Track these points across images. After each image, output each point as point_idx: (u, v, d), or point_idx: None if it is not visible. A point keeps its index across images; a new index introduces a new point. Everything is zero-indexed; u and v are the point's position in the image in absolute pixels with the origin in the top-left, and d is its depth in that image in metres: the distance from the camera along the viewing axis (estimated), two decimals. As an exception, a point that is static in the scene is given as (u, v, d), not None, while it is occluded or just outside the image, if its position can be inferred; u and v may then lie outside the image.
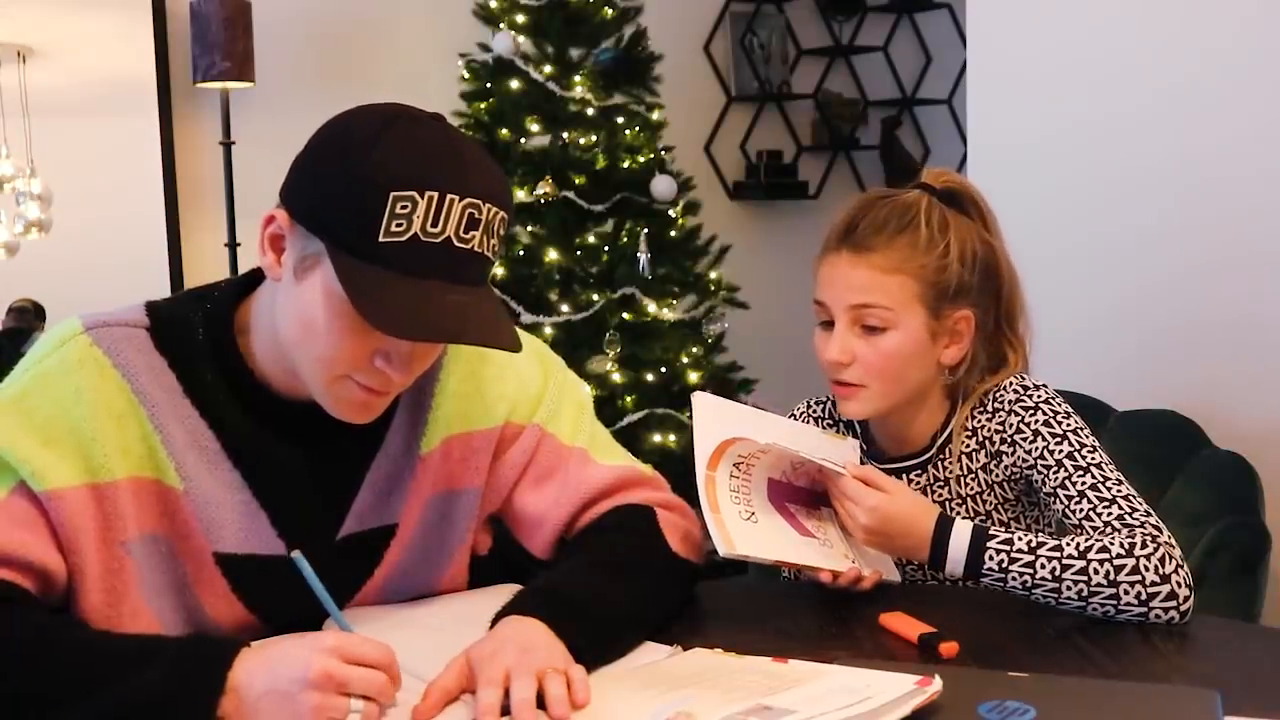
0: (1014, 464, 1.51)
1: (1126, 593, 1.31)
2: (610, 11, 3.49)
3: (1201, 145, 2.38)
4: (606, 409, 3.27)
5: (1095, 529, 1.38)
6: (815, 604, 1.42)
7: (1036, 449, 1.47)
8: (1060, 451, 1.45)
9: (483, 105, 3.47)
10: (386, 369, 1.17)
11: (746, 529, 1.37)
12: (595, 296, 3.38)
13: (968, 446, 1.55)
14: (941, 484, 1.57)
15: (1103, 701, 1.09)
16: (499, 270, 3.33)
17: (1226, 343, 2.36)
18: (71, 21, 3.45)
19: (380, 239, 1.11)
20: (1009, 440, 1.51)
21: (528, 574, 1.37)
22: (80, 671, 1.06)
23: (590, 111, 3.44)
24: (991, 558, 1.35)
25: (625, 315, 3.42)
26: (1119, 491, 1.41)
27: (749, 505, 1.41)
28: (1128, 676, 1.19)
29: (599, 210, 3.43)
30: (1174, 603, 1.31)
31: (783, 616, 1.39)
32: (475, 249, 1.14)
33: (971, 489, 1.55)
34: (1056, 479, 1.44)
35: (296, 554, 1.13)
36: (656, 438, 3.37)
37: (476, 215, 1.14)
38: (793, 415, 1.68)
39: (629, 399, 3.38)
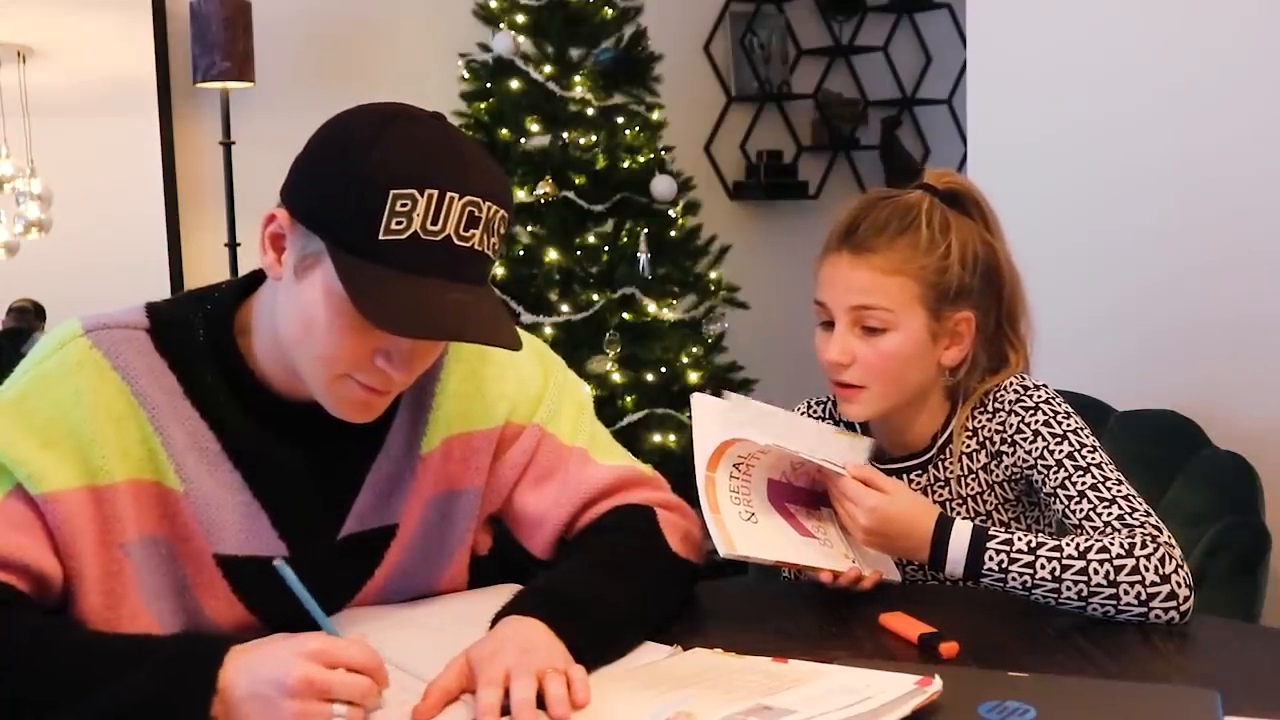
0: (1014, 464, 1.51)
1: (1126, 593, 1.31)
2: (610, 11, 3.49)
3: (1201, 145, 2.38)
4: (606, 409, 3.27)
5: (1095, 529, 1.38)
6: (815, 604, 1.42)
7: (1037, 449, 1.47)
8: (1060, 451, 1.45)
9: (483, 105, 3.47)
10: (387, 368, 1.17)
11: (746, 529, 1.37)
12: (595, 296, 3.38)
13: (968, 447, 1.55)
14: (942, 484, 1.57)
15: (1103, 701, 1.09)
16: (499, 270, 3.33)
17: (1226, 343, 2.36)
18: (71, 21, 3.45)
19: (380, 237, 1.11)
20: (1009, 440, 1.51)
21: (528, 574, 1.37)
22: (74, 673, 1.06)
23: (590, 111, 3.44)
24: (991, 558, 1.35)
25: (625, 315, 3.42)
26: (1119, 491, 1.41)
27: (749, 506, 1.41)
28: (1128, 676, 1.19)
29: (599, 210, 3.43)
30: (1174, 603, 1.31)
31: (783, 616, 1.39)
32: (475, 247, 1.14)
33: (972, 489, 1.55)
34: (1057, 479, 1.44)
35: (278, 561, 1.13)
36: (656, 438, 3.38)
37: (476, 213, 1.14)
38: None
39: (629, 399, 3.38)
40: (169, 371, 1.23)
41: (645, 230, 3.38)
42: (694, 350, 3.49)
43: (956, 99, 4.57)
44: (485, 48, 3.52)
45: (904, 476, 1.57)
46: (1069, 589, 1.32)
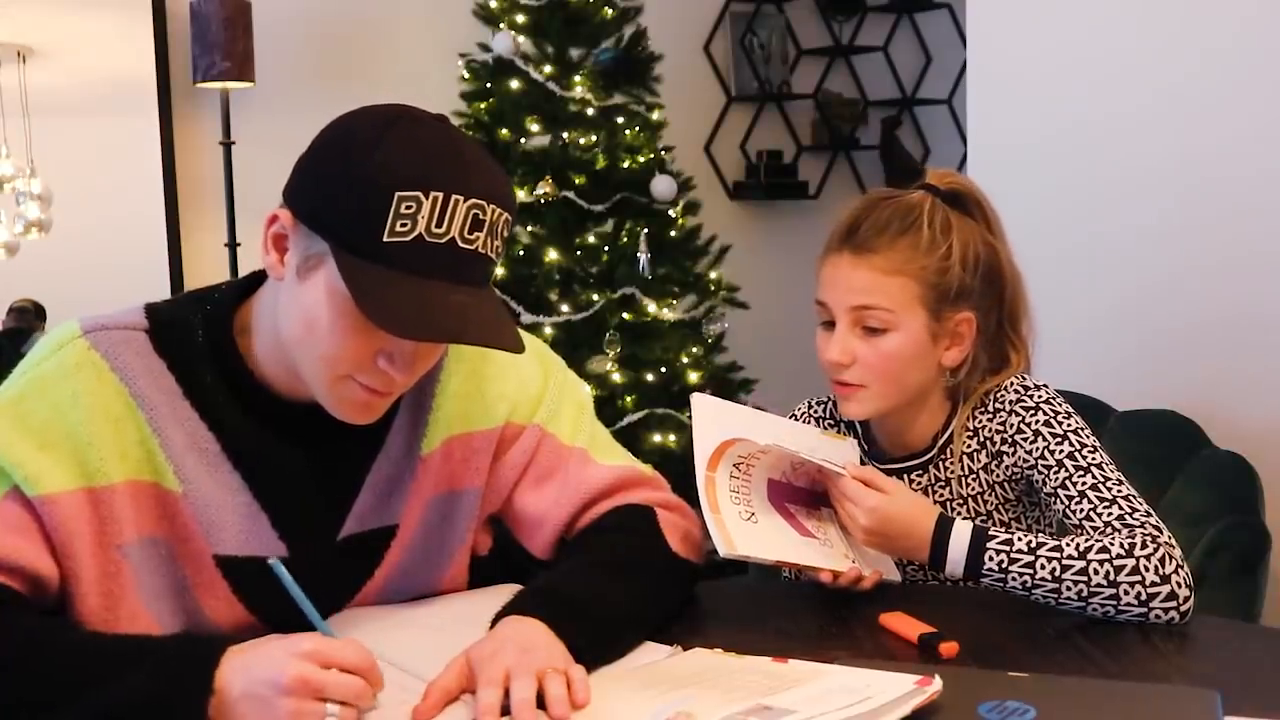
0: (1015, 464, 1.51)
1: (1126, 593, 1.31)
2: (610, 11, 3.49)
3: (1201, 145, 2.38)
4: (606, 409, 3.27)
5: (1095, 529, 1.38)
6: (815, 604, 1.42)
7: (1037, 449, 1.47)
8: (1061, 451, 1.45)
9: (483, 105, 3.47)
10: (389, 369, 1.17)
11: (747, 529, 1.37)
12: (595, 296, 3.38)
13: (969, 447, 1.55)
14: (942, 484, 1.57)
15: (1103, 701, 1.09)
16: (499, 270, 3.33)
17: (1226, 343, 2.36)
18: (71, 21, 3.45)
19: (385, 239, 1.11)
20: (1010, 440, 1.51)
21: (528, 574, 1.37)
22: (70, 673, 1.06)
23: (590, 111, 3.44)
24: (991, 558, 1.35)
25: (625, 315, 3.42)
26: (1119, 492, 1.41)
27: (749, 506, 1.41)
28: (1128, 676, 1.19)
29: (599, 210, 3.43)
30: (1174, 603, 1.31)
31: (783, 616, 1.39)
32: (479, 250, 1.15)
33: (972, 489, 1.55)
34: (1057, 479, 1.44)
35: (273, 560, 1.13)
36: (656, 438, 3.37)
37: (481, 216, 1.14)
38: (793, 415, 1.68)
39: (629, 399, 3.38)
40: (168, 372, 1.23)
41: (645, 230, 3.38)
42: (694, 350, 3.49)
43: (956, 99, 4.57)
44: (485, 48, 3.52)
45: (904, 476, 1.57)
46: (1069, 589, 1.32)
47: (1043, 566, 1.33)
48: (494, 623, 1.18)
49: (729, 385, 3.53)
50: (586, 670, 1.11)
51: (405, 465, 1.33)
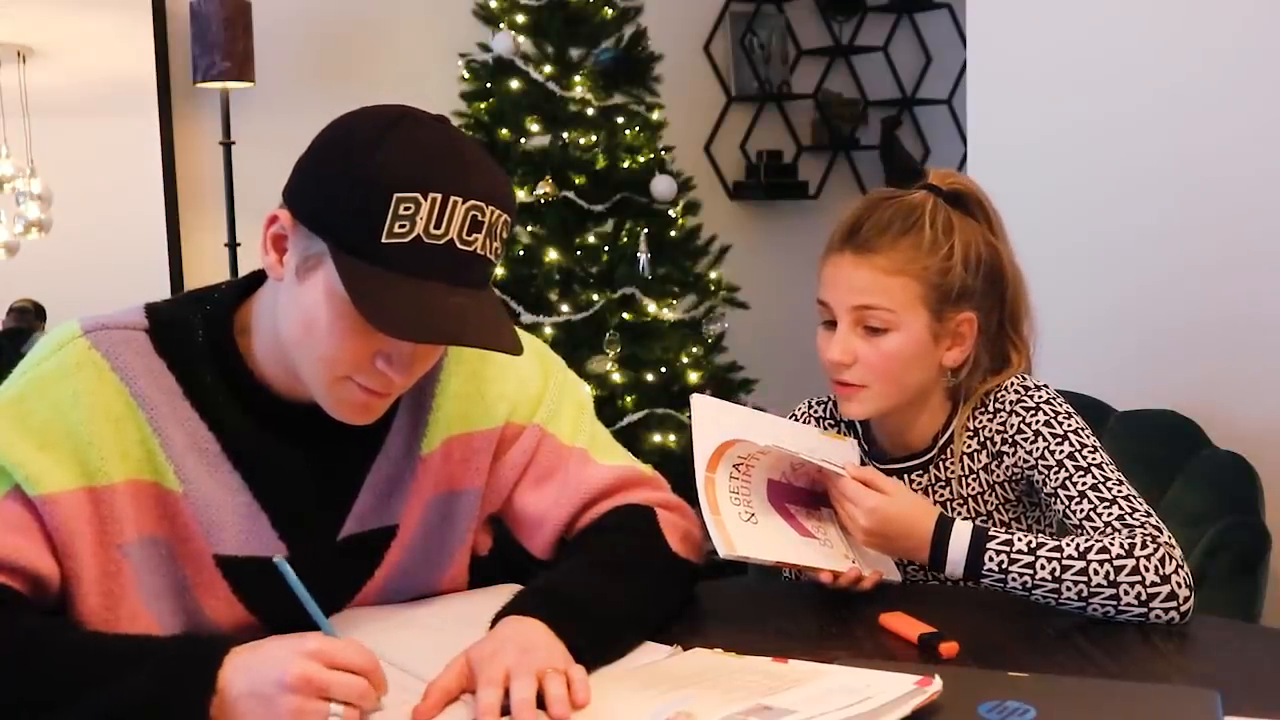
0: (1015, 464, 1.51)
1: (1126, 593, 1.31)
2: (610, 11, 3.49)
3: (1201, 145, 2.38)
4: (606, 409, 3.27)
5: (1095, 529, 1.38)
6: (815, 604, 1.42)
7: (1037, 449, 1.47)
8: (1061, 452, 1.45)
9: (483, 105, 3.47)
10: (388, 370, 1.17)
11: (746, 530, 1.37)
12: (595, 296, 3.38)
13: (969, 447, 1.55)
14: (943, 484, 1.57)
15: (1103, 701, 1.09)
16: (499, 270, 3.33)
17: (1226, 343, 2.36)
18: (71, 21, 3.45)
19: (383, 240, 1.11)
20: (1010, 440, 1.51)
21: (528, 574, 1.37)
22: (72, 674, 1.06)
23: (590, 111, 3.44)
24: (991, 559, 1.35)
25: (625, 315, 3.42)
26: (1119, 492, 1.41)
27: (749, 506, 1.41)
28: (1128, 676, 1.19)
29: (599, 210, 3.43)
30: (1174, 603, 1.31)
31: (783, 616, 1.39)
32: (478, 251, 1.15)
33: (973, 489, 1.55)
34: (1057, 479, 1.44)
35: (278, 558, 1.13)
36: (656, 438, 3.38)
37: (480, 217, 1.14)
38: (793, 416, 1.68)
39: (629, 399, 3.38)
40: (168, 372, 1.23)
41: (645, 230, 3.38)
42: (694, 350, 3.49)
43: (956, 99, 4.57)
44: (485, 48, 3.52)
45: (905, 476, 1.57)
46: (1069, 589, 1.32)
47: (1043, 567, 1.33)
48: (494, 623, 1.18)
49: (729, 385, 3.53)
50: (586, 670, 1.11)
51: (405, 465, 1.33)
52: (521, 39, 3.45)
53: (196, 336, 1.24)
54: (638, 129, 3.48)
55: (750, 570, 1.76)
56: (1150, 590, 1.31)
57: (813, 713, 1.01)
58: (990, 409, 1.54)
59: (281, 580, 1.13)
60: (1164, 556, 1.32)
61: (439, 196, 1.11)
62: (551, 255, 3.36)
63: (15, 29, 3.36)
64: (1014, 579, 1.34)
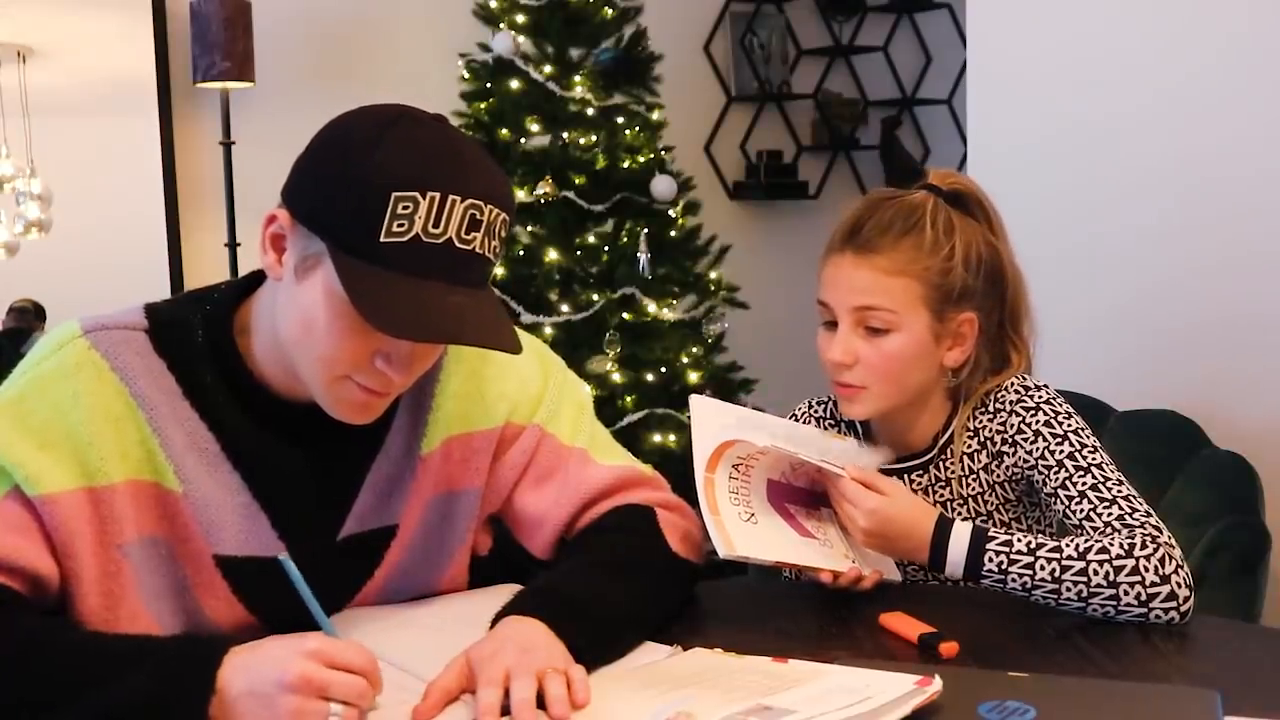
0: (1015, 464, 1.51)
1: (1126, 593, 1.31)
2: (610, 11, 3.49)
3: (1201, 145, 2.38)
4: (606, 409, 3.27)
5: (1095, 529, 1.38)
6: (815, 604, 1.42)
7: (1037, 449, 1.47)
8: (1061, 452, 1.45)
9: (483, 105, 3.47)
10: (386, 370, 1.17)
11: (746, 530, 1.37)
12: (595, 296, 3.38)
13: (969, 447, 1.55)
14: (943, 484, 1.57)
15: (1103, 701, 1.09)
16: (499, 270, 3.33)
17: (1226, 343, 2.36)
18: (71, 21, 3.45)
19: (381, 239, 1.11)
20: (1010, 441, 1.51)
21: (528, 574, 1.37)
22: (71, 674, 1.06)
23: (590, 111, 3.44)
24: (991, 559, 1.35)
25: (625, 315, 3.42)
26: (1119, 492, 1.41)
27: (748, 507, 1.41)
28: (1128, 676, 1.19)
29: (599, 210, 3.43)
30: (1174, 603, 1.31)
31: (783, 616, 1.39)
32: (476, 250, 1.14)
33: (973, 489, 1.55)
34: (1057, 479, 1.44)
35: (283, 556, 1.13)
36: (656, 438, 3.37)
37: (478, 216, 1.14)
38: (793, 416, 1.68)
39: (629, 399, 3.38)
40: (168, 372, 1.23)
41: (645, 230, 3.38)
42: (694, 350, 3.49)
43: (956, 99, 4.57)
44: (485, 48, 3.52)
45: (905, 477, 1.57)
46: (1069, 590, 1.32)
47: (1042, 567, 1.33)
48: (494, 623, 1.18)
49: (729, 385, 3.53)
50: (586, 670, 1.11)
51: (405, 465, 1.33)
52: (521, 39, 3.45)
53: (196, 336, 1.24)
54: (638, 129, 3.48)
55: (750, 570, 1.76)
56: (1150, 590, 1.31)
57: (813, 713, 1.01)
58: (990, 409, 1.54)
59: (282, 579, 1.13)
60: (1164, 556, 1.32)
61: (437, 195, 1.11)
62: (551, 255, 3.36)
63: (15, 29, 3.36)
64: (1014, 579, 1.34)
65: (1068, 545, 1.34)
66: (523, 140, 3.42)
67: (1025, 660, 1.23)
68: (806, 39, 4.57)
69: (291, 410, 1.25)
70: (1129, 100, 2.51)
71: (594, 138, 3.43)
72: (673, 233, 3.50)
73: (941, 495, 1.57)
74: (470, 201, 1.13)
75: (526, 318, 3.33)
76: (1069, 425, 1.48)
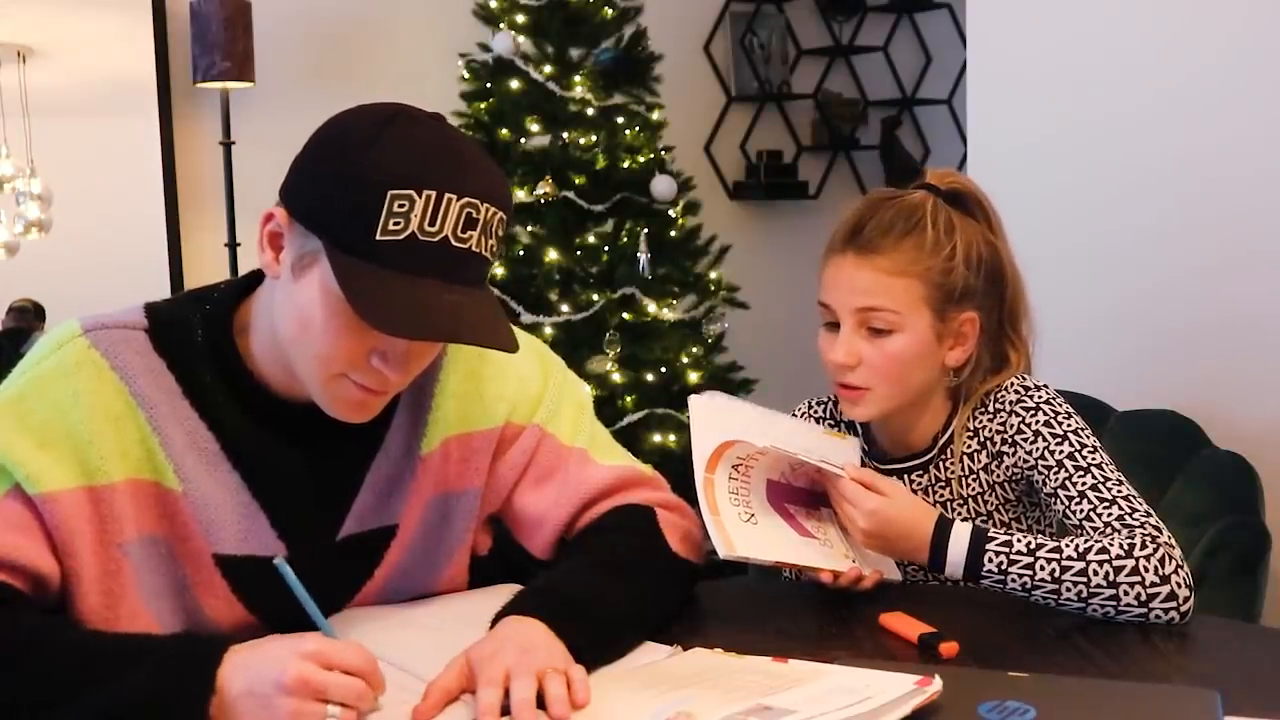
0: (1015, 464, 1.51)
1: (1126, 593, 1.31)
2: (610, 11, 3.49)
3: (1201, 145, 2.38)
4: (606, 409, 3.27)
5: (1095, 529, 1.38)
6: (815, 604, 1.42)
7: (1037, 449, 1.47)
8: (1061, 452, 1.45)
9: (483, 105, 3.47)
10: (383, 368, 1.17)
11: (746, 530, 1.37)
12: (595, 296, 3.38)
13: (969, 447, 1.55)
14: (943, 484, 1.57)
15: (1103, 701, 1.09)
16: (499, 270, 3.33)
17: (1226, 343, 2.36)
18: (71, 21, 3.45)
19: (378, 237, 1.11)
20: (1010, 441, 1.51)
21: (528, 574, 1.37)
22: (71, 672, 1.06)
23: (590, 111, 3.44)
24: (991, 559, 1.35)
25: (625, 315, 3.42)
26: (1119, 492, 1.41)
27: (748, 507, 1.40)
28: (1128, 676, 1.19)
29: (599, 210, 3.43)
30: (1174, 603, 1.31)
31: (783, 616, 1.39)
32: (473, 249, 1.14)
33: (972, 489, 1.55)
34: (1057, 479, 1.44)
35: (278, 560, 1.13)
36: (656, 438, 3.37)
37: (474, 215, 1.13)
38: (793, 416, 1.68)
39: (629, 399, 3.38)
40: (167, 371, 1.23)
41: (645, 230, 3.38)
42: (694, 350, 3.49)
43: (956, 99, 4.57)
44: (485, 48, 3.52)
45: (905, 477, 1.57)
46: (1069, 590, 1.32)
47: (1042, 568, 1.33)
48: (494, 623, 1.18)
49: (729, 385, 3.53)
50: (586, 670, 1.11)
51: (405, 465, 1.32)
52: (521, 39, 3.45)
53: (196, 336, 1.24)
54: (638, 129, 3.48)
55: (750, 570, 1.76)
56: (1150, 590, 1.31)
57: (813, 713, 1.01)
58: (990, 409, 1.54)
59: (281, 580, 1.13)
60: (1164, 557, 1.32)
61: (433, 194, 1.11)
62: (551, 255, 3.36)
63: (15, 29, 3.36)
64: (1013, 580, 1.34)
65: (1067, 545, 1.34)
66: (523, 140, 3.42)
67: (1025, 660, 1.23)
68: (806, 39, 4.57)
69: (291, 410, 1.25)
70: (1129, 100, 2.51)
71: (594, 138, 3.43)
72: (673, 233, 3.50)
73: (941, 495, 1.57)
74: (467, 200, 1.13)
75: (526, 318, 3.33)
76: (1069, 425, 1.47)
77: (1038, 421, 1.49)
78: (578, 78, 3.45)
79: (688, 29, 4.34)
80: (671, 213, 3.49)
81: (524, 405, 1.39)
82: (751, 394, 3.59)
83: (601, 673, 1.16)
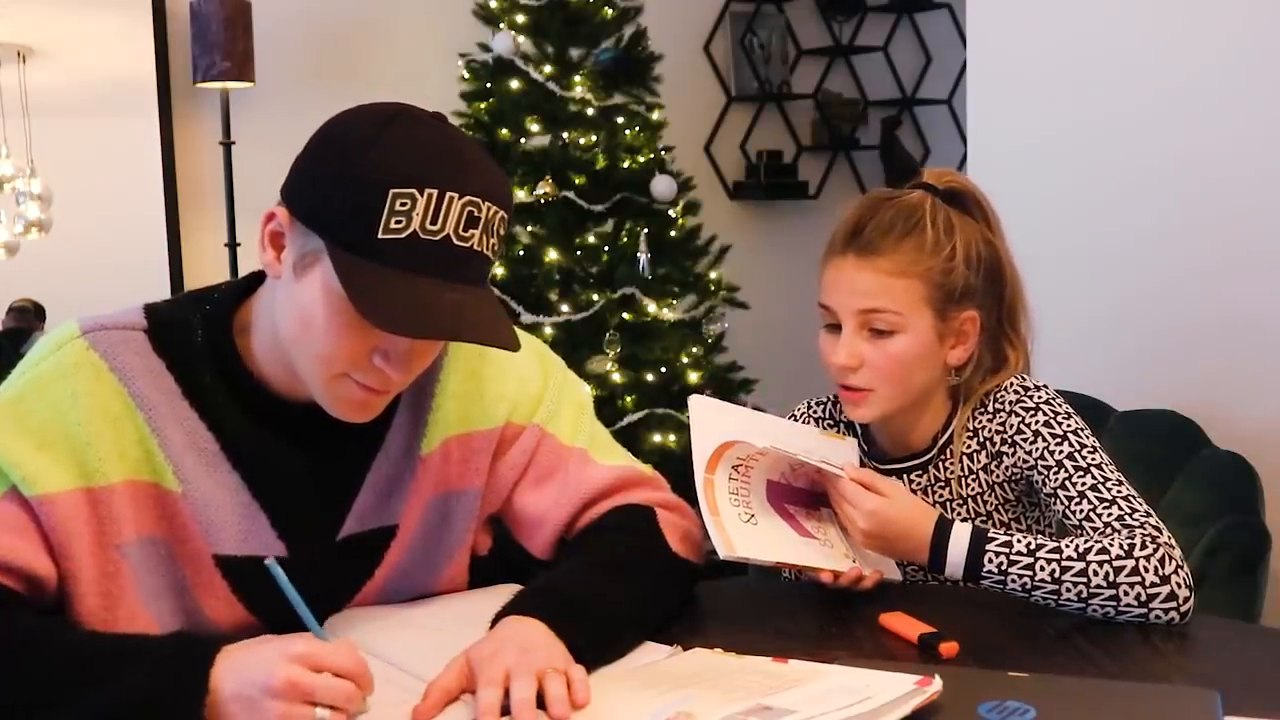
0: (1014, 465, 1.51)
1: (1126, 594, 1.31)
2: (610, 11, 3.49)
3: (1201, 145, 2.38)
4: (606, 409, 3.27)
5: (1095, 529, 1.38)
6: (815, 604, 1.42)
7: (1037, 450, 1.47)
8: (1060, 452, 1.45)
9: (483, 105, 3.47)
10: (385, 367, 1.17)
11: (746, 531, 1.37)
12: (595, 296, 3.38)
13: (969, 447, 1.55)
14: (942, 484, 1.57)
15: (1103, 701, 1.09)
16: (499, 270, 3.33)
17: (1226, 343, 2.36)
18: (71, 21, 3.45)
19: (379, 236, 1.11)
20: (1010, 441, 1.51)
21: (528, 574, 1.36)
22: (68, 673, 1.06)
23: (590, 111, 3.44)
24: (991, 560, 1.35)
25: (625, 315, 3.42)
26: (1119, 492, 1.41)
27: (748, 508, 1.40)
28: (1128, 676, 1.19)
29: (599, 210, 3.43)
30: (1174, 603, 1.31)
31: (783, 616, 1.39)
32: (474, 248, 1.14)
33: (972, 490, 1.55)
34: (1057, 479, 1.44)
35: (269, 561, 1.13)
36: (656, 438, 3.37)
37: (476, 214, 1.14)
38: (792, 416, 1.68)
39: (629, 399, 3.38)
40: (167, 372, 1.23)
41: (645, 230, 3.38)
42: (694, 350, 3.49)
43: (956, 99, 4.57)
44: (485, 48, 3.52)
45: (904, 477, 1.57)
46: (1068, 590, 1.32)
47: (1042, 568, 1.33)
48: (494, 623, 1.18)
49: (729, 385, 3.53)
50: (586, 670, 1.11)
51: (405, 465, 1.32)
52: (521, 39, 3.45)
53: (195, 336, 1.24)
54: (638, 129, 3.48)
55: (750, 570, 1.76)
56: (1150, 591, 1.31)
57: (813, 713, 1.01)
58: (990, 409, 1.54)
59: (272, 581, 1.13)
60: (1164, 557, 1.32)
61: (435, 192, 1.11)
62: (551, 255, 3.36)
63: (15, 29, 3.36)
64: (1013, 580, 1.34)
65: (1067, 546, 1.34)
66: (523, 140, 3.42)
67: (1025, 660, 1.23)
68: (806, 39, 4.57)
69: (291, 410, 1.25)
70: (1129, 100, 2.51)
71: (594, 138, 3.43)
72: (673, 233, 3.50)
73: (941, 495, 1.57)
74: (468, 199, 1.13)
75: (526, 318, 3.33)
76: (1068, 425, 1.47)
77: (1037, 422, 1.49)
78: (578, 78, 3.45)
79: (688, 29, 4.34)
80: (671, 213, 3.50)
81: (524, 405, 1.39)
82: (751, 394, 3.59)
83: (601, 673, 1.16)
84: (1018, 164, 2.72)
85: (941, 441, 1.57)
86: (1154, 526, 1.36)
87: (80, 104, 3.47)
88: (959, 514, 1.55)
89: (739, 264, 3.74)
